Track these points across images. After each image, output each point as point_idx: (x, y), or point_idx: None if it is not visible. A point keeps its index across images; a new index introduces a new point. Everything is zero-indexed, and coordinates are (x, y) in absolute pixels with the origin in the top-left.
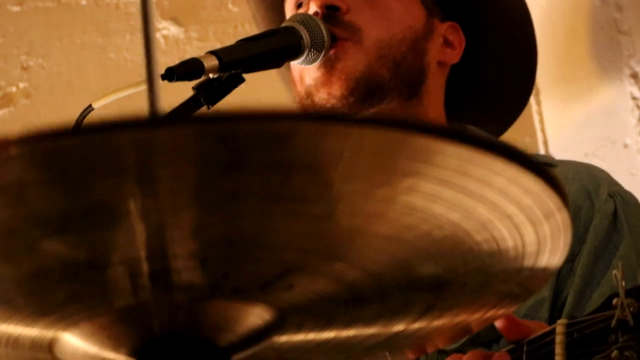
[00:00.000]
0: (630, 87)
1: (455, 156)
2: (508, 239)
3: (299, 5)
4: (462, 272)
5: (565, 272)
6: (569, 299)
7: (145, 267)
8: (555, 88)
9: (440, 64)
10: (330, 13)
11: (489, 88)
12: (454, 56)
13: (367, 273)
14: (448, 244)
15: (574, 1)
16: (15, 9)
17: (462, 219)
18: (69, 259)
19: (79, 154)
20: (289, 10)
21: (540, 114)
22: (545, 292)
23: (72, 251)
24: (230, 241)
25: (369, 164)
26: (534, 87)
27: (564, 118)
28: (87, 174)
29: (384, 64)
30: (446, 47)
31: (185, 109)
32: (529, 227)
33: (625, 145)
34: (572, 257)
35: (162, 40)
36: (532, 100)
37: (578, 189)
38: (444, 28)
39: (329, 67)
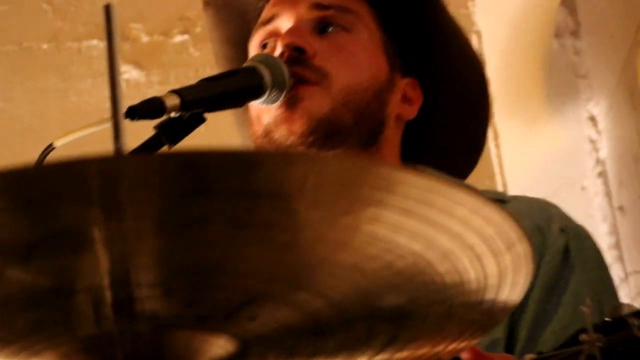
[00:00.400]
0: (588, 130)
1: (418, 186)
2: (470, 270)
3: (263, 46)
4: (425, 303)
5: (518, 309)
6: (521, 336)
7: (108, 295)
8: (514, 131)
9: (398, 118)
10: (297, 55)
11: (443, 144)
12: (411, 112)
13: (330, 303)
14: (410, 274)
15: (533, 45)
16: None
17: (425, 249)
18: (33, 286)
19: (43, 181)
20: (253, 50)
21: (499, 157)
22: (500, 332)
23: (37, 278)
24: (195, 269)
25: (334, 192)
26: (493, 131)
27: (523, 161)
28: (51, 201)
29: (349, 109)
30: (404, 102)
31: (147, 148)
32: (490, 258)
33: (583, 188)
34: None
35: (123, 84)
36: (491, 143)
37: (529, 224)
38: (403, 83)
39: (291, 105)
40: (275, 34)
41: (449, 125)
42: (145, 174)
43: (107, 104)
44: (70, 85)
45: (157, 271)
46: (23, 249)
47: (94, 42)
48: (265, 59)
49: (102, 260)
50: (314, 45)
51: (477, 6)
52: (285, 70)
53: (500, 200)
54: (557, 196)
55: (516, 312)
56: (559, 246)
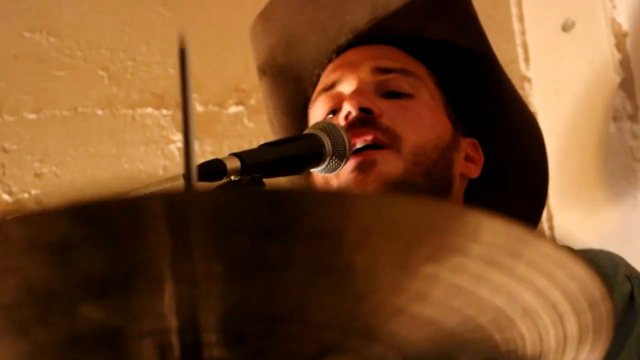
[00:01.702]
0: None
1: (504, 234)
2: (550, 329)
3: (332, 113)
4: None
5: None
6: None
7: (175, 339)
8: (569, 214)
9: (462, 176)
10: (364, 116)
11: (503, 205)
12: (475, 171)
13: (405, 357)
14: (490, 331)
15: (589, 128)
16: (32, 116)
17: (507, 304)
18: (104, 325)
19: (119, 214)
20: (318, 117)
21: (552, 239)
22: None
23: (109, 317)
24: (268, 316)
25: (418, 237)
26: (547, 212)
27: (577, 245)
28: (126, 236)
29: (419, 170)
30: (467, 161)
31: None
32: (572, 317)
33: None
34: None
35: (176, 153)
36: (545, 224)
37: (597, 271)
38: (465, 143)
39: (365, 169)
40: (339, 99)
41: (508, 185)
42: (218, 211)
43: (159, 172)
44: (123, 152)
45: (227, 316)
46: (97, 284)
47: (149, 109)
48: (326, 127)
49: (170, 301)
50: (380, 106)
51: (533, 87)
52: (346, 139)
53: None
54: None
55: None
56: (625, 292)
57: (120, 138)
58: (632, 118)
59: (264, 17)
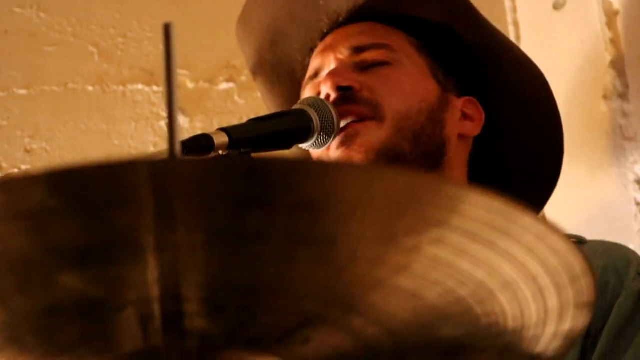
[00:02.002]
0: (635, 193)
1: (485, 207)
2: (531, 303)
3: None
4: (482, 336)
5: (589, 348)
6: None
7: (157, 309)
8: (558, 192)
9: (461, 136)
10: (344, 94)
11: (515, 164)
12: (473, 128)
13: (385, 330)
14: (470, 303)
15: (580, 107)
16: (22, 92)
17: (487, 277)
18: (84, 295)
19: (98, 183)
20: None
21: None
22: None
23: (88, 287)
24: (249, 286)
25: (399, 209)
26: None
27: (565, 221)
28: (106, 205)
29: (404, 136)
30: (464, 120)
31: None
32: (553, 291)
33: None
34: (595, 333)
35: (166, 129)
36: None
37: (606, 264)
38: (460, 103)
39: (348, 143)
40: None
41: (516, 143)
42: (201, 179)
43: (149, 148)
44: (113, 128)
45: (209, 286)
46: (77, 253)
47: (139, 86)
48: (314, 102)
49: (152, 271)
50: (358, 80)
51: None
52: (334, 114)
53: (579, 241)
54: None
55: (587, 350)
56: (635, 289)
57: (110, 114)
58: (623, 97)
59: (243, 20)
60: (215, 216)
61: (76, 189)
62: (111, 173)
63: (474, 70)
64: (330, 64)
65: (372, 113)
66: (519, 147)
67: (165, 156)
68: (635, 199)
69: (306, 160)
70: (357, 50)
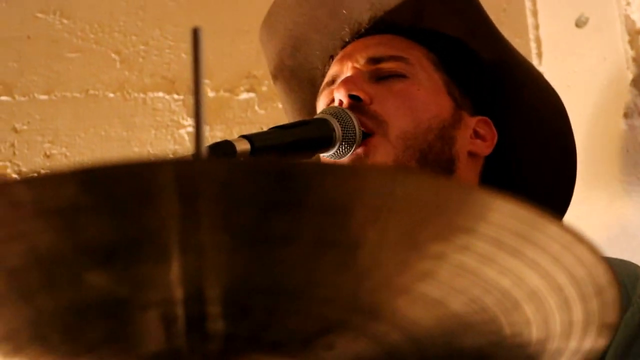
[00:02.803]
0: None
1: (512, 215)
2: (556, 314)
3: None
4: (506, 347)
5: None
6: None
7: (181, 310)
8: (579, 209)
9: (472, 154)
10: (354, 103)
11: (526, 185)
12: (485, 147)
13: (409, 338)
14: (495, 312)
15: (601, 124)
16: (43, 97)
17: (513, 286)
18: (109, 294)
19: (127, 181)
20: (323, 104)
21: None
22: None
23: (114, 286)
24: (274, 290)
25: (424, 215)
26: None
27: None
28: (133, 204)
29: (412, 155)
30: (476, 139)
31: None
32: (578, 303)
33: None
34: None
35: (186, 137)
36: None
37: None
38: (473, 122)
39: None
40: None
41: (529, 165)
42: (227, 181)
43: (169, 156)
44: (133, 135)
45: (232, 289)
46: (104, 252)
47: (160, 94)
48: (336, 112)
49: (176, 271)
50: (369, 91)
51: None
52: (356, 124)
53: None
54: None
55: None
56: None
57: (130, 121)
58: None
59: (267, 24)
60: (240, 218)
61: (106, 187)
62: (139, 172)
63: (490, 89)
64: (346, 72)
65: (377, 128)
66: (532, 169)
67: (192, 158)
68: None
69: (333, 163)
70: (374, 60)
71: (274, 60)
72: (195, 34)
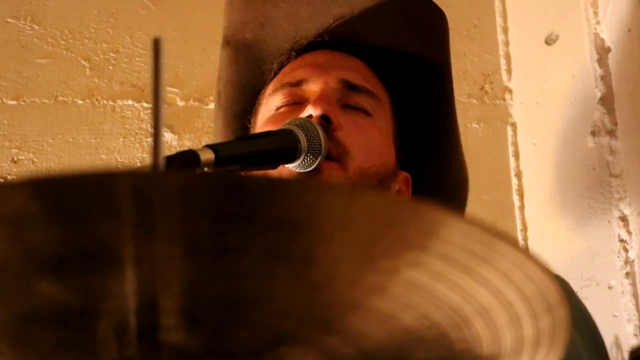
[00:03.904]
0: (619, 230)
1: (463, 232)
2: (506, 330)
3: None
4: None
5: None
6: None
7: (133, 320)
8: (543, 225)
9: None
10: (324, 123)
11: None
12: None
13: (360, 352)
14: (445, 328)
15: (568, 142)
16: (11, 102)
17: (462, 302)
18: (60, 303)
19: (80, 191)
20: (274, 106)
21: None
22: None
23: (65, 295)
24: (225, 301)
25: (377, 230)
26: (522, 223)
27: (549, 256)
28: (86, 214)
29: None
30: (399, 194)
31: None
32: (528, 319)
33: (610, 287)
34: None
35: (151, 142)
36: (519, 235)
37: None
38: (402, 177)
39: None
40: (302, 97)
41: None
42: (182, 192)
43: (136, 164)
44: (101, 142)
45: (186, 299)
46: (55, 261)
47: (129, 102)
48: (303, 123)
49: (130, 281)
50: (339, 119)
51: (514, 99)
52: (322, 137)
53: None
54: (582, 294)
55: None
56: None
57: (99, 128)
58: (610, 133)
59: None
60: (194, 229)
61: (57, 196)
62: (93, 182)
63: (418, 152)
64: (318, 84)
65: (339, 156)
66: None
67: (148, 169)
68: (619, 235)
69: (287, 178)
70: (350, 86)
71: (236, 27)
72: (157, 44)
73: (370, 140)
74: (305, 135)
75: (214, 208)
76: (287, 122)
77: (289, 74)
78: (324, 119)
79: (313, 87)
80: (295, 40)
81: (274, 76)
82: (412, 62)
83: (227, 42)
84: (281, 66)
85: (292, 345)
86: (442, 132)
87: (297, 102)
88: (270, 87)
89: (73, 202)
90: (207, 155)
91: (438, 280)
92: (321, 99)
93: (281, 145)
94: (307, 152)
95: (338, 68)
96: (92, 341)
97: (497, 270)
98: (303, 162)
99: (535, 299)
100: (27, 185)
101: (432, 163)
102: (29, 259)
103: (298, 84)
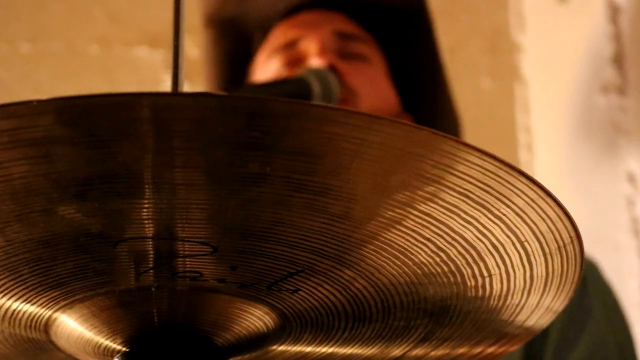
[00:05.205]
0: (625, 186)
1: (479, 167)
2: (518, 268)
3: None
4: (468, 299)
5: (539, 337)
6: None
7: (150, 247)
8: (551, 181)
9: None
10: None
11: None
12: None
13: (373, 285)
14: (458, 264)
15: (578, 99)
16: (26, 47)
17: (476, 238)
18: (82, 228)
19: (104, 114)
20: (275, 70)
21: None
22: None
23: (86, 220)
24: (244, 230)
25: (394, 164)
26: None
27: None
28: (110, 137)
29: None
30: None
31: None
32: (540, 258)
33: (616, 244)
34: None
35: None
36: None
37: None
38: (406, 119)
39: None
40: (300, 55)
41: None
42: (203, 117)
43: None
44: (115, 90)
45: (203, 227)
46: (78, 185)
47: (143, 49)
48: (316, 71)
49: (148, 207)
50: (344, 66)
51: (526, 55)
52: (335, 83)
53: None
54: (588, 251)
55: (537, 340)
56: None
57: (113, 76)
58: (621, 91)
59: None
60: (213, 156)
61: (81, 119)
62: (116, 104)
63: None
64: (313, 40)
65: (349, 97)
66: None
67: (168, 92)
68: (625, 193)
69: (307, 104)
70: (343, 36)
71: (215, 7)
72: None
73: (375, 84)
74: (319, 82)
75: (232, 135)
76: (303, 70)
77: (280, 37)
78: (330, 69)
79: (310, 44)
80: (276, 7)
81: (262, 45)
82: (391, 10)
83: (209, 23)
84: (264, 35)
85: (308, 276)
86: (429, 75)
87: (295, 63)
88: (263, 55)
89: (96, 125)
90: None
91: (453, 215)
92: (323, 51)
93: (294, 92)
94: (322, 100)
95: (328, 21)
96: (110, 268)
97: (511, 207)
98: None
99: (548, 237)
100: (51, 108)
101: (422, 106)
102: (53, 183)
103: (292, 44)
